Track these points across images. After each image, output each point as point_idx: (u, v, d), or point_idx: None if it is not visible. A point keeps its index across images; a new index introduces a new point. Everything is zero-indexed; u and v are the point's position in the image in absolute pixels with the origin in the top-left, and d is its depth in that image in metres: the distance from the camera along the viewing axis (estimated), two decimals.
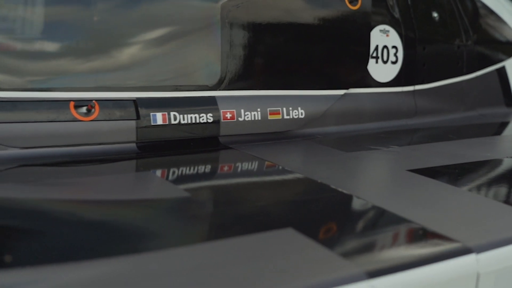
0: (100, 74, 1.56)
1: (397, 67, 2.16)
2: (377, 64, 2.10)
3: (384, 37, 2.11)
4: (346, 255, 0.94)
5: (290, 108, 1.83)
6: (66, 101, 1.48)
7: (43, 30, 1.48)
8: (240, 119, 1.72)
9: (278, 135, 1.82)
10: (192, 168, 1.52)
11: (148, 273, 0.81)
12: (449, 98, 2.40)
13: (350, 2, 1.92)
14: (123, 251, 0.88)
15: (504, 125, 2.47)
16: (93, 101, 1.50)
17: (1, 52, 1.43)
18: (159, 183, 1.29)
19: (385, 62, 2.12)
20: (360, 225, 1.09)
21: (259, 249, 0.95)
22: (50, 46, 1.49)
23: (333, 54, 1.93)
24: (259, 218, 1.09)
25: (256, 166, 1.51)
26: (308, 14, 1.86)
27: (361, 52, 2.00)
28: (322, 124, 1.92)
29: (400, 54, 2.17)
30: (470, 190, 1.33)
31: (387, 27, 2.13)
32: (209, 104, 1.68)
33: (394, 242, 1.01)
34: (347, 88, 1.98)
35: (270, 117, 1.78)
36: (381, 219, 1.11)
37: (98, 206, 1.11)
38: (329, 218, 1.11)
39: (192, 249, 0.93)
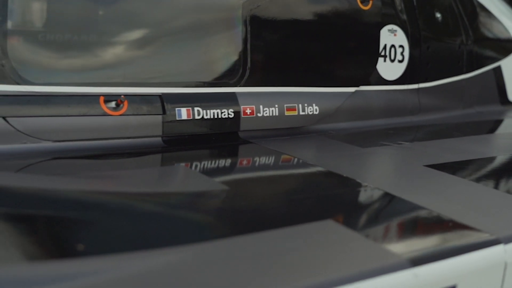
0: (128, 69, 1.60)
1: (403, 66, 2.24)
2: (385, 63, 2.17)
3: (392, 36, 2.18)
4: (388, 244, 1.00)
5: (306, 105, 1.89)
6: (96, 96, 1.52)
7: (75, 27, 1.51)
8: (259, 114, 1.78)
9: (293, 131, 1.88)
10: (221, 161, 1.58)
11: (213, 260, 0.87)
12: (450, 96, 2.48)
13: (362, 2, 1.98)
14: (183, 240, 0.93)
15: (502, 123, 2.57)
16: (122, 96, 1.54)
17: (35, 48, 1.46)
18: (196, 176, 1.34)
19: (392, 61, 2.20)
20: (394, 217, 1.15)
21: (305, 239, 1.00)
22: (81, 42, 1.53)
23: (345, 52, 2.00)
24: (299, 211, 1.15)
25: (281, 161, 1.56)
26: (323, 14, 1.92)
27: (371, 51, 2.07)
28: (334, 120, 1.98)
29: (406, 53, 2.25)
30: (489, 184, 1.40)
31: (395, 27, 2.20)
32: (230, 100, 1.74)
33: (428, 233, 1.08)
34: (357, 86, 2.05)
35: (287, 113, 1.84)
36: (412, 212, 1.17)
37: (145, 197, 1.16)
38: (364, 211, 1.17)
39: (247, 239, 0.98)
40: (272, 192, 1.28)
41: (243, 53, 1.76)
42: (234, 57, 1.76)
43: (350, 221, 1.09)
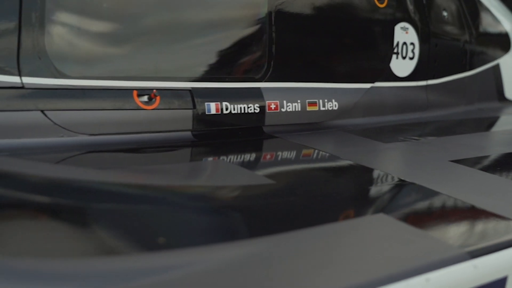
0: (159, 63, 1.60)
1: (413, 63, 2.28)
2: (397, 60, 2.21)
3: (404, 34, 2.23)
4: (445, 237, 1.04)
5: (326, 100, 1.92)
6: (130, 90, 1.52)
7: (109, 22, 1.51)
8: (282, 110, 1.80)
9: (313, 126, 1.91)
10: (255, 155, 1.60)
11: (284, 252, 0.89)
12: (454, 93, 2.55)
13: (378, 0, 2.02)
14: (252, 233, 0.95)
15: (506, 119, 2.64)
16: (154, 90, 1.55)
17: (71, 42, 1.46)
18: (238, 170, 1.36)
19: (404, 58, 2.24)
20: (441, 211, 1.19)
21: (362, 234, 1.03)
22: (115, 37, 1.53)
23: (363, 48, 2.03)
24: (349, 205, 1.18)
25: (313, 155, 1.59)
26: (342, 12, 1.95)
27: (386, 48, 2.11)
28: (350, 116, 2.02)
29: (417, 51, 2.29)
30: None
31: (406, 25, 2.24)
32: (256, 95, 1.76)
33: (479, 227, 1.12)
34: (373, 82, 2.09)
35: (308, 108, 1.87)
36: (457, 207, 1.21)
37: (198, 191, 1.17)
38: (411, 205, 1.21)
39: (306, 233, 1.01)
40: (316, 187, 1.31)
41: (268, 49, 1.78)
42: (260, 53, 1.78)
43: (401, 215, 1.12)
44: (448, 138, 1.96)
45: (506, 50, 2.93)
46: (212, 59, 1.71)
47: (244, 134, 1.73)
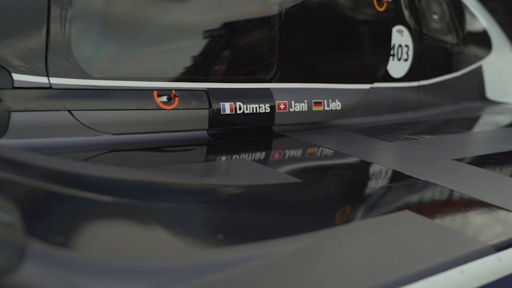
0: (177, 65, 1.65)
1: (408, 64, 2.38)
2: (393, 61, 2.30)
3: (399, 36, 2.31)
4: (470, 232, 1.12)
5: (330, 100, 1.99)
6: (151, 90, 1.56)
7: (132, 27, 1.56)
8: (291, 109, 1.87)
9: (317, 125, 1.98)
10: (273, 154, 1.66)
11: (335, 246, 0.96)
12: (442, 93, 2.65)
13: (378, 4, 2.10)
14: (303, 228, 1.02)
15: (492, 118, 2.77)
16: (173, 90, 1.59)
17: (95, 45, 1.49)
18: (263, 169, 1.41)
19: (399, 59, 2.33)
20: (462, 208, 1.27)
21: (395, 229, 1.10)
22: (137, 40, 1.57)
23: (364, 50, 2.11)
24: (375, 202, 1.25)
25: (326, 153, 1.66)
26: (345, 16, 2.02)
27: (385, 50, 2.19)
28: (352, 115, 2.10)
29: (411, 52, 2.39)
30: None
31: (402, 27, 2.33)
32: (266, 95, 1.81)
33: (498, 223, 1.21)
34: (372, 83, 2.17)
35: (314, 108, 1.94)
36: (474, 203, 1.29)
37: (234, 190, 1.22)
38: (434, 201, 1.29)
39: (339, 230, 1.07)
40: (340, 184, 1.38)
41: (278, 50, 1.84)
42: (270, 54, 1.84)
43: (425, 212, 1.20)
44: (445, 137, 2.06)
45: (487, 52, 3.06)
46: (226, 60, 1.76)
47: (256, 133, 1.79)
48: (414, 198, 1.30)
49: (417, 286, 0.92)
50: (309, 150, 1.69)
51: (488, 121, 2.71)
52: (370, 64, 2.16)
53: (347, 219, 1.14)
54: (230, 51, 1.77)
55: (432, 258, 1.00)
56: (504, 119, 2.71)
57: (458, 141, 1.99)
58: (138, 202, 0.95)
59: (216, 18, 1.72)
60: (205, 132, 1.68)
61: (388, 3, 2.13)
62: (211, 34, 1.73)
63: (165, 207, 0.99)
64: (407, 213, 1.17)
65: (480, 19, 3.05)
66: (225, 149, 1.63)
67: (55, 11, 1.38)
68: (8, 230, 0.69)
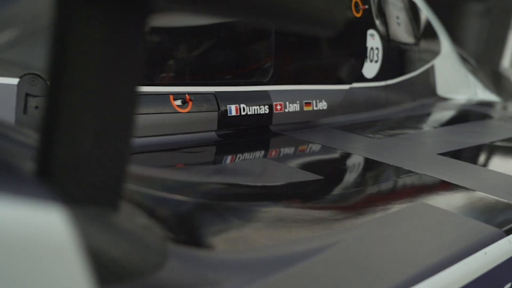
0: (189, 70, 1.73)
1: (378, 66, 2.56)
2: (366, 63, 2.48)
3: (371, 40, 2.49)
4: (481, 219, 1.30)
5: (318, 101, 2.13)
6: (167, 95, 1.64)
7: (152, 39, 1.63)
8: (286, 110, 1.99)
9: (306, 125, 2.12)
10: (282, 152, 1.78)
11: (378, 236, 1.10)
12: (404, 91, 2.87)
13: (355, 10, 2.27)
14: (350, 221, 1.15)
15: (450, 114, 3.02)
16: (186, 94, 1.67)
17: None
18: (281, 167, 1.53)
19: (371, 61, 2.51)
20: (466, 198, 1.45)
21: (418, 220, 1.26)
22: (153, 49, 1.65)
23: (344, 53, 2.27)
24: (390, 194, 1.41)
25: (329, 151, 1.80)
26: None
27: (362, 52, 2.36)
28: (335, 114, 2.25)
29: (380, 54, 2.57)
30: (506, 168, 1.76)
31: (373, 31, 2.51)
32: (265, 97, 1.93)
33: (499, 210, 1.39)
34: (351, 83, 2.33)
35: (305, 108, 2.07)
36: (475, 195, 1.47)
37: (267, 190, 1.33)
38: (442, 194, 1.45)
39: (374, 221, 1.21)
40: (354, 181, 1.52)
41: (275, 54, 1.96)
42: (267, 59, 1.96)
43: (439, 202, 1.36)
44: (423, 132, 2.26)
45: (438, 52, 3.33)
46: (230, 65, 1.87)
47: (257, 133, 1.90)
48: (424, 191, 1.47)
49: (456, 267, 1.08)
50: (311, 148, 1.83)
51: (449, 117, 2.96)
52: (350, 66, 2.32)
53: (373, 213, 1.28)
54: (233, 57, 1.87)
55: (460, 244, 1.16)
56: (460, 115, 2.97)
57: (434, 137, 2.19)
58: (218, 202, 1.05)
59: (221, 28, 1.82)
60: (214, 133, 1.77)
61: (364, 9, 2.30)
62: (217, 42, 1.82)
63: (241, 206, 1.09)
64: (422, 204, 1.33)
65: (432, 22, 3.31)
66: (239, 149, 1.73)
67: None
68: (150, 232, 0.78)
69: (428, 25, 3.25)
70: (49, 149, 0.53)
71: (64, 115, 0.54)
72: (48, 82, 0.56)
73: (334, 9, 0.61)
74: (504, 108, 3.75)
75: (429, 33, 3.24)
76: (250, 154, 1.68)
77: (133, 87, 0.55)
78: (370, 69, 2.52)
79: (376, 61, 2.55)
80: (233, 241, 0.90)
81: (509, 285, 1.28)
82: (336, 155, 1.79)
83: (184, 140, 1.69)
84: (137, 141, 1.57)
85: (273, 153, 1.74)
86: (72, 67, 0.53)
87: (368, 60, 2.48)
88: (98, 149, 0.55)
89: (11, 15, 1.38)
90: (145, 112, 1.57)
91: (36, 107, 1.38)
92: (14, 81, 1.35)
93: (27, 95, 1.37)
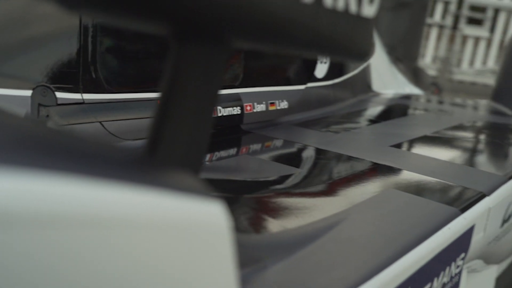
0: None
1: (326, 66, 2.81)
2: (316, 64, 2.71)
3: None
4: (442, 201, 1.56)
5: (279, 101, 2.34)
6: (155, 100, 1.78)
7: (148, 48, 1.77)
8: (254, 110, 2.19)
9: (269, 123, 2.33)
10: (258, 148, 1.98)
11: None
12: (346, 89, 3.14)
13: None
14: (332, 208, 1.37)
15: (393, 108, 3.33)
16: None
17: (118, 63, 1.68)
18: (264, 163, 1.73)
19: (321, 63, 2.75)
20: (425, 184, 1.71)
21: (390, 205, 1.50)
22: (153, 58, 1.78)
23: (300, 56, 2.49)
24: (363, 184, 1.64)
25: (297, 146, 2.02)
26: None
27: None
28: (293, 112, 2.47)
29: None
30: (450, 156, 2.05)
31: None
32: (237, 99, 2.12)
33: (453, 192, 1.66)
34: (306, 83, 2.56)
35: (270, 108, 2.28)
36: (430, 181, 1.74)
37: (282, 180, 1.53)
38: (405, 181, 1.71)
39: (355, 207, 1.44)
40: (324, 172, 1.75)
41: (244, 59, 2.15)
42: (238, 64, 2.14)
43: (404, 188, 1.61)
44: (367, 127, 2.52)
45: (374, 50, 3.63)
46: None
47: (231, 132, 2.09)
48: (390, 179, 1.72)
49: (428, 242, 1.32)
50: (281, 144, 2.04)
51: (387, 112, 3.26)
52: (304, 68, 2.55)
53: (350, 202, 1.50)
54: None
55: (430, 222, 1.41)
56: (397, 109, 3.29)
57: (380, 130, 2.46)
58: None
59: None
60: None
61: None
62: None
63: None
64: (393, 191, 1.58)
65: None
66: (225, 146, 1.92)
67: (85, 37, 1.56)
68: None
69: None
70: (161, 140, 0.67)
71: (172, 119, 0.68)
72: (160, 100, 0.71)
73: (367, 41, 0.81)
74: (428, 100, 4.13)
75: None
76: (235, 151, 1.87)
77: (214, 103, 0.71)
78: (321, 69, 2.76)
79: (325, 62, 2.80)
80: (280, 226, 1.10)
81: (463, 254, 1.55)
82: (303, 148, 2.01)
83: None
84: (138, 142, 1.71)
85: (253, 150, 1.94)
86: (179, 92, 0.69)
87: (318, 61, 2.72)
88: (192, 137, 0.69)
89: (25, 38, 1.48)
90: (143, 117, 1.72)
91: (47, 115, 1.50)
92: (28, 93, 1.47)
93: (39, 105, 1.49)
